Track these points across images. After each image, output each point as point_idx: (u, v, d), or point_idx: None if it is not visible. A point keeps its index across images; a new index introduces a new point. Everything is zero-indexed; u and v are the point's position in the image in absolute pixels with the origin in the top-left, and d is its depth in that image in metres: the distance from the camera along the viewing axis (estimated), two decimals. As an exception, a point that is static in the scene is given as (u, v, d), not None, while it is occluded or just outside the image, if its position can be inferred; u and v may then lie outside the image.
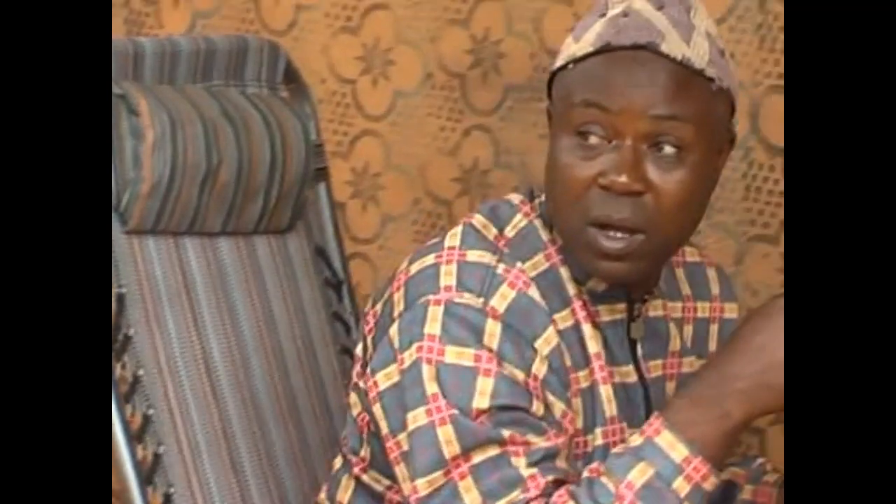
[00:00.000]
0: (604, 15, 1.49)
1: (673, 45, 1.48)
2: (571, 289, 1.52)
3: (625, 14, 1.49)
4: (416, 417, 1.45)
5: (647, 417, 1.54)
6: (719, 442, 1.42)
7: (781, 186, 1.96)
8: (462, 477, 1.43)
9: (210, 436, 1.80)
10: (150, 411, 1.69)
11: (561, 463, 1.44)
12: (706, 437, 1.42)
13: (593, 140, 1.48)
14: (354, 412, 1.59)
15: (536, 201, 1.55)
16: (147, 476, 1.68)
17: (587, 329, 1.52)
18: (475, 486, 1.43)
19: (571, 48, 1.51)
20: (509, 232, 1.54)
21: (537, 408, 1.45)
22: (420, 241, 2.19)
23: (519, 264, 1.50)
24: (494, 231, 1.54)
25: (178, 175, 1.76)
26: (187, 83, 1.87)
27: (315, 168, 1.97)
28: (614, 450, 1.43)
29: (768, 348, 1.43)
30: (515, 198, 1.56)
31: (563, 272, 1.54)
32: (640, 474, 1.41)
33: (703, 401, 1.44)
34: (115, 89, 1.73)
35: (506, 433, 1.42)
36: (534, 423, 1.44)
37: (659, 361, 1.61)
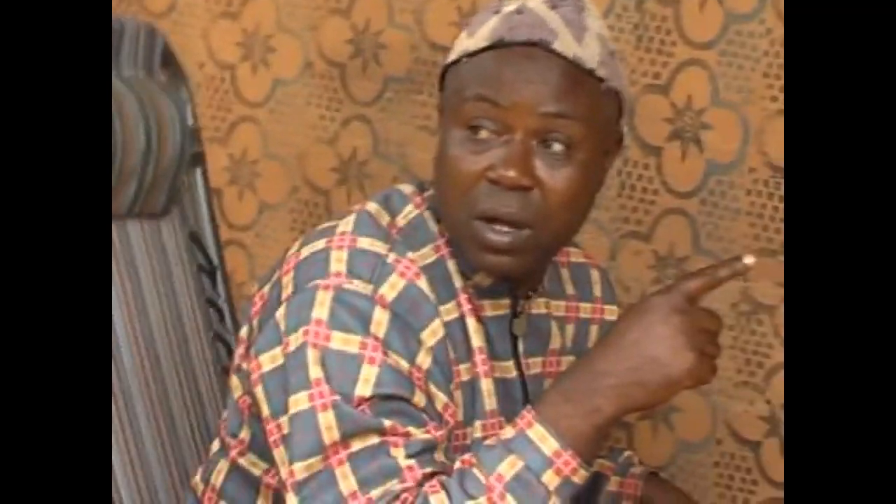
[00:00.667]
0: (498, 12, 1.51)
1: (565, 44, 1.49)
2: (458, 282, 1.53)
3: (519, 11, 1.50)
4: (298, 401, 1.45)
5: (525, 395, 1.54)
6: (589, 436, 1.42)
7: (656, 184, 1.98)
8: (340, 463, 1.43)
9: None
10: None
11: (439, 456, 1.44)
12: (577, 431, 1.42)
13: (484, 134, 1.49)
14: (235, 395, 1.58)
15: (426, 193, 1.55)
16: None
17: (471, 322, 1.53)
18: (352, 474, 1.42)
19: (464, 43, 1.52)
20: (400, 221, 1.55)
21: (419, 399, 1.45)
22: (297, 230, 2.20)
23: (409, 254, 1.50)
24: (387, 219, 1.53)
25: (47, 157, 1.74)
26: (61, 64, 1.87)
27: (191, 153, 1.96)
28: (487, 441, 1.44)
29: (641, 345, 1.44)
30: (406, 188, 1.57)
31: (451, 265, 1.54)
32: (509, 466, 1.42)
33: (575, 395, 1.45)
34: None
35: (386, 423, 1.43)
36: (415, 415, 1.44)
37: (539, 359, 1.62)
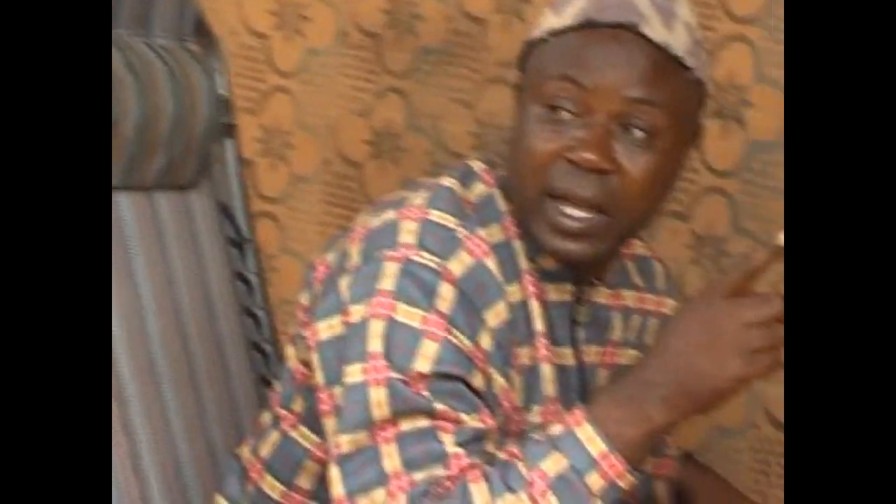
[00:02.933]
0: None
1: (654, 29, 1.49)
2: (523, 263, 1.54)
3: None
4: (353, 373, 1.45)
5: (581, 402, 1.55)
6: (638, 442, 1.44)
7: (696, 163, 1.99)
8: (386, 441, 1.43)
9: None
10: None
11: (488, 446, 1.45)
12: (626, 436, 1.43)
13: (564, 114, 1.49)
14: (290, 364, 1.59)
15: (497, 172, 1.56)
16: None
17: (534, 306, 1.53)
18: (398, 454, 1.43)
19: (550, 20, 1.52)
20: (471, 198, 1.55)
21: (477, 381, 1.46)
22: (329, 203, 2.24)
23: (480, 231, 1.51)
24: (460, 195, 1.54)
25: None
26: (91, 32, 1.88)
27: (222, 123, 1.97)
28: (534, 435, 1.44)
29: (684, 356, 1.44)
30: (477, 165, 1.57)
31: (517, 246, 1.54)
32: (554, 464, 1.42)
33: (626, 402, 1.45)
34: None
35: (439, 406, 1.43)
36: (469, 399, 1.46)
37: (597, 348, 1.63)
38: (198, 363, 1.89)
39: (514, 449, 1.44)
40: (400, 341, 1.45)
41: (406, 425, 1.43)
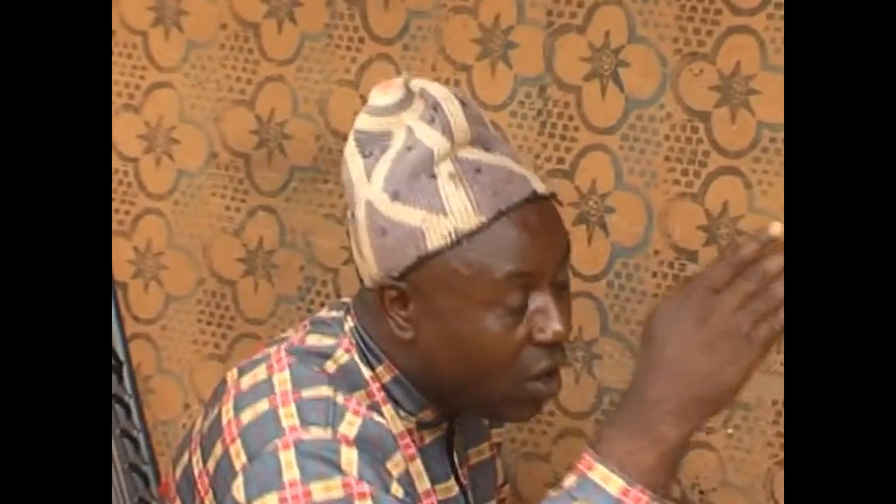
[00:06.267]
0: (434, 176, 1.49)
1: (537, 182, 1.51)
2: (397, 427, 1.53)
3: (477, 170, 1.49)
4: None
5: None
6: (657, 467, 1.38)
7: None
8: None
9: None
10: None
11: None
12: (643, 464, 1.38)
13: (516, 302, 1.48)
14: None
15: (348, 328, 1.55)
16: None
17: (413, 468, 1.54)
18: None
19: (443, 224, 1.48)
20: (330, 367, 1.53)
21: None
22: (204, 321, 2.23)
23: (356, 399, 1.49)
24: (317, 367, 1.52)
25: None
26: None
27: None
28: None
29: (682, 361, 1.39)
30: (333, 326, 1.55)
31: (386, 411, 1.53)
32: None
33: (634, 429, 1.40)
34: None
35: None
36: None
37: (473, 449, 1.64)
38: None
39: None
40: None
41: None
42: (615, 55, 1.95)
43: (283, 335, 1.60)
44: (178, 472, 1.57)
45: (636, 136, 1.97)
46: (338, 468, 1.43)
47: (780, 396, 1.81)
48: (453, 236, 1.47)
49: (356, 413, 1.48)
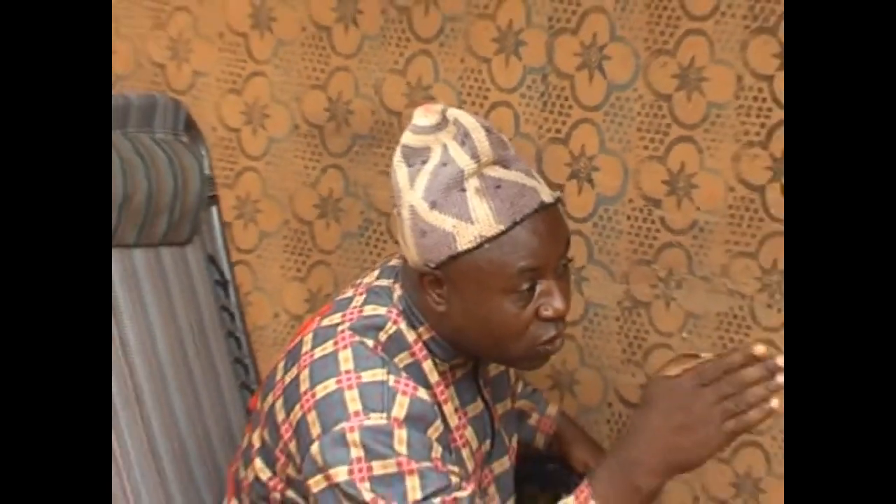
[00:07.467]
0: (464, 190, 1.53)
1: (546, 192, 1.56)
2: (433, 377, 1.61)
3: (497, 185, 1.53)
4: None
5: (492, 423, 1.69)
6: None
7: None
8: None
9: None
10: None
11: (480, 501, 1.59)
12: None
13: (526, 289, 1.55)
14: (263, 477, 1.66)
15: (396, 297, 1.61)
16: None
17: (448, 409, 1.63)
18: None
19: (469, 230, 1.51)
20: (382, 337, 1.60)
21: (454, 477, 1.57)
22: (289, 252, 2.28)
23: (403, 375, 1.57)
24: (371, 342, 1.58)
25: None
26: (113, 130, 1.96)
27: (208, 195, 2.10)
28: None
29: (664, 436, 1.49)
30: (383, 297, 1.61)
31: (426, 365, 1.61)
32: None
33: (618, 479, 1.52)
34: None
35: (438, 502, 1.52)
36: (456, 484, 1.55)
37: (500, 404, 1.76)
38: (195, 372, 2.02)
39: None
40: (389, 488, 1.51)
41: None
42: (600, 51, 2.04)
43: (357, 282, 1.68)
44: (266, 405, 1.67)
45: (615, 112, 2.05)
46: (393, 449, 1.51)
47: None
48: (478, 240, 1.54)
49: (405, 394, 1.54)
